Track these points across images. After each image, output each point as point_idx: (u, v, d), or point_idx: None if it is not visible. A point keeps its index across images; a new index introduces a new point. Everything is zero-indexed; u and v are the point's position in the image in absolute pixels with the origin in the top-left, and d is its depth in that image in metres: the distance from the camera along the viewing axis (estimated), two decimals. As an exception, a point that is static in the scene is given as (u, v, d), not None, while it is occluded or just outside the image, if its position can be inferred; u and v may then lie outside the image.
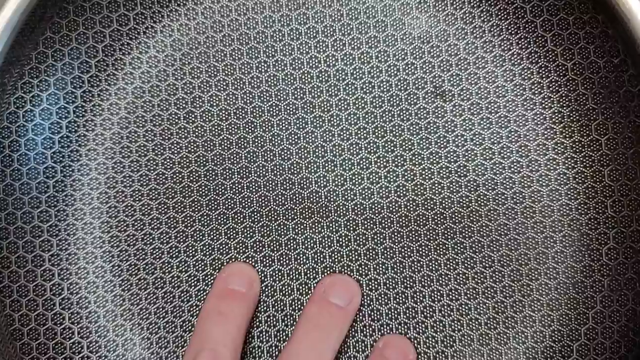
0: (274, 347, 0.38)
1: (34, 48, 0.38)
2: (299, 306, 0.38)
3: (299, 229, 0.38)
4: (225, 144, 0.38)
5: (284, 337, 0.38)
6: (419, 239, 0.38)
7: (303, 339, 0.36)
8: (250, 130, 0.38)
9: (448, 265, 0.37)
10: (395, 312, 0.38)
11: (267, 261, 0.38)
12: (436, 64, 0.38)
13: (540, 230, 0.37)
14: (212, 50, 0.39)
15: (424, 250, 0.38)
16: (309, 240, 0.38)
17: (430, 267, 0.37)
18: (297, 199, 0.38)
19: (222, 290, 0.38)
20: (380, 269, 0.38)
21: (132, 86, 0.39)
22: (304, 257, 0.38)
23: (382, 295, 0.38)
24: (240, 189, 0.38)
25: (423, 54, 0.38)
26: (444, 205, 0.37)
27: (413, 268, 0.38)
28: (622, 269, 0.36)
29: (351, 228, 0.38)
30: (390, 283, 0.38)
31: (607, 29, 0.36)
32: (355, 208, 0.38)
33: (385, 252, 0.38)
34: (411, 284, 0.38)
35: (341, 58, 0.38)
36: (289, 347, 0.36)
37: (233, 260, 0.38)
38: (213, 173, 0.38)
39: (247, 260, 0.38)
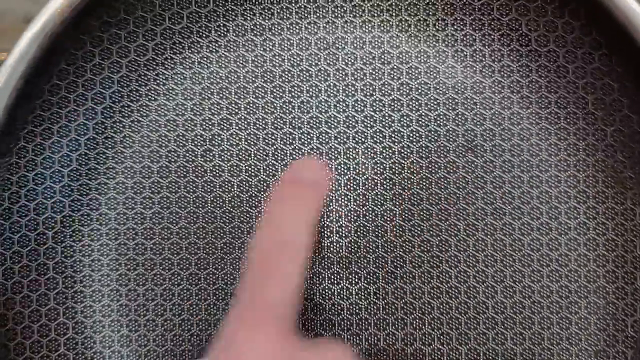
0: None
1: (47, 81, 0.36)
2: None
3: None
4: (245, 186, 0.37)
5: None
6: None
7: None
8: (271, 173, 0.37)
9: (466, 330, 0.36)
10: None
11: None
12: (469, 116, 0.36)
13: (565, 295, 0.36)
14: (234, 87, 0.37)
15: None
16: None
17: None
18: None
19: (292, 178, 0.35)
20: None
21: (147, 119, 0.37)
22: None
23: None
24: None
25: (456, 105, 0.36)
26: (468, 262, 0.36)
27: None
28: (648, 343, 0.36)
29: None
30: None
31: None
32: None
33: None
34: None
35: (370, 104, 0.36)
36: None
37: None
38: (229, 215, 0.37)
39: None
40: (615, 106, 0.35)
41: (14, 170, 0.36)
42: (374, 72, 0.36)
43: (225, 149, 0.37)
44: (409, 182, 0.36)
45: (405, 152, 0.36)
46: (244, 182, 0.37)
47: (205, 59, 0.37)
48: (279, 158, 0.37)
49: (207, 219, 0.37)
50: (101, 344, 0.37)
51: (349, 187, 0.36)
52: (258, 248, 0.31)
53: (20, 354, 0.36)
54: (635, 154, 0.35)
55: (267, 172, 0.37)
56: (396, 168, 0.36)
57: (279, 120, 0.37)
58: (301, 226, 0.32)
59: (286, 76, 0.37)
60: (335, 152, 0.37)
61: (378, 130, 0.36)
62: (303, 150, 0.36)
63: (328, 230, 0.37)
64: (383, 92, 0.36)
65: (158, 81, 0.37)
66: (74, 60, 0.36)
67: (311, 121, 0.36)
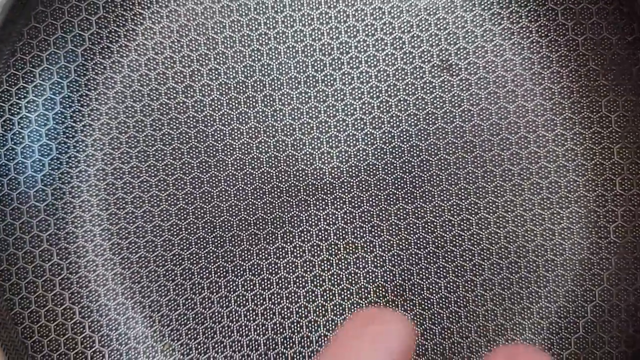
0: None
1: (25, 24, 0.36)
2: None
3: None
4: (226, 119, 0.37)
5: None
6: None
7: None
8: (250, 105, 0.37)
9: (454, 242, 0.37)
10: (402, 288, 0.37)
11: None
12: (443, 36, 0.37)
13: (547, 206, 0.37)
14: (210, 22, 0.37)
15: (428, 238, 0.37)
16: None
17: (436, 243, 0.37)
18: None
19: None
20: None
21: (127, 59, 0.37)
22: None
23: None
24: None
25: (429, 26, 0.37)
26: (449, 181, 0.37)
27: (419, 245, 0.37)
28: (631, 247, 0.36)
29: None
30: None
31: (621, 6, 0.35)
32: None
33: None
34: (417, 260, 0.37)
35: (345, 30, 0.37)
36: None
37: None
38: (213, 150, 0.37)
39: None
40: (584, 14, 0.36)
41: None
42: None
43: (206, 84, 0.37)
44: (386, 105, 0.37)
45: (382, 76, 0.37)
46: (225, 116, 0.37)
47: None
48: (258, 89, 0.37)
49: (191, 155, 0.37)
50: (95, 282, 0.38)
51: (328, 113, 0.37)
52: None
53: (17, 294, 0.37)
54: (607, 60, 0.36)
55: (247, 104, 0.37)
56: (374, 92, 0.37)
57: (255, 52, 0.37)
58: None
59: (260, 9, 0.37)
60: (313, 80, 0.37)
61: (354, 56, 0.37)
62: (281, 81, 0.37)
63: (311, 157, 0.37)
64: (357, 17, 0.37)
65: (136, 21, 0.37)
66: (51, 2, 0.37)
67: (288, 52, 0.37)
